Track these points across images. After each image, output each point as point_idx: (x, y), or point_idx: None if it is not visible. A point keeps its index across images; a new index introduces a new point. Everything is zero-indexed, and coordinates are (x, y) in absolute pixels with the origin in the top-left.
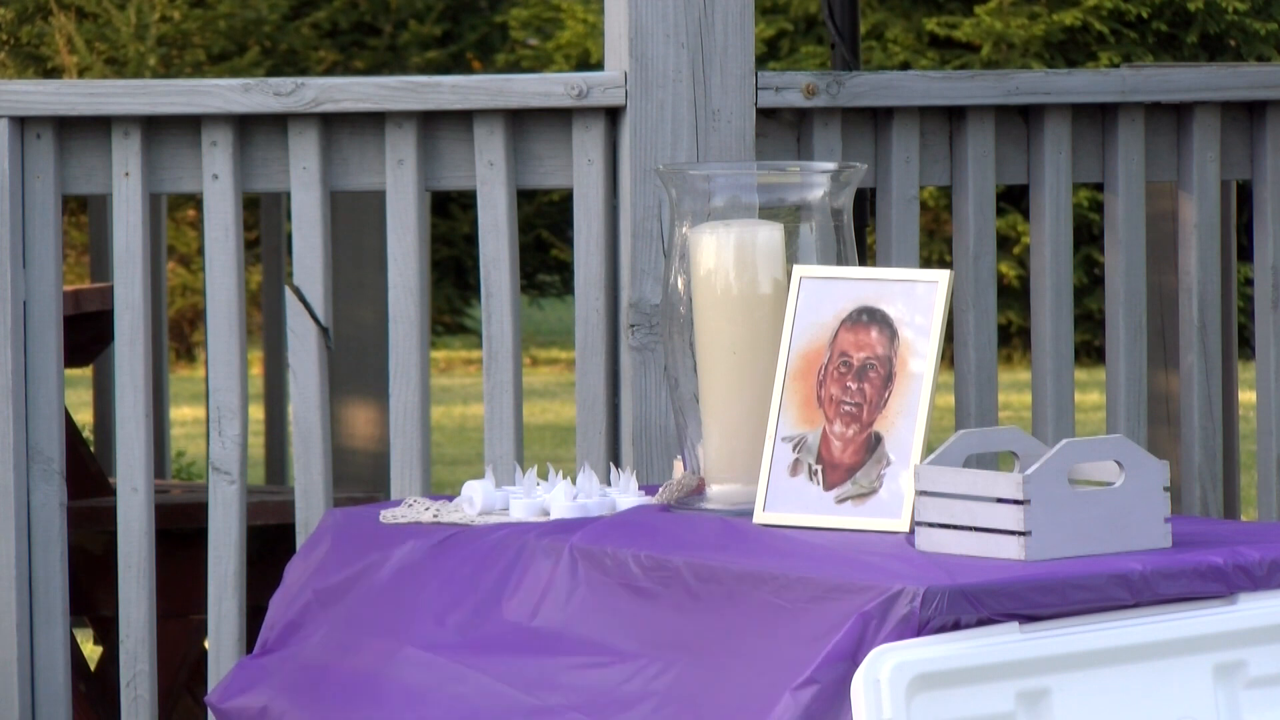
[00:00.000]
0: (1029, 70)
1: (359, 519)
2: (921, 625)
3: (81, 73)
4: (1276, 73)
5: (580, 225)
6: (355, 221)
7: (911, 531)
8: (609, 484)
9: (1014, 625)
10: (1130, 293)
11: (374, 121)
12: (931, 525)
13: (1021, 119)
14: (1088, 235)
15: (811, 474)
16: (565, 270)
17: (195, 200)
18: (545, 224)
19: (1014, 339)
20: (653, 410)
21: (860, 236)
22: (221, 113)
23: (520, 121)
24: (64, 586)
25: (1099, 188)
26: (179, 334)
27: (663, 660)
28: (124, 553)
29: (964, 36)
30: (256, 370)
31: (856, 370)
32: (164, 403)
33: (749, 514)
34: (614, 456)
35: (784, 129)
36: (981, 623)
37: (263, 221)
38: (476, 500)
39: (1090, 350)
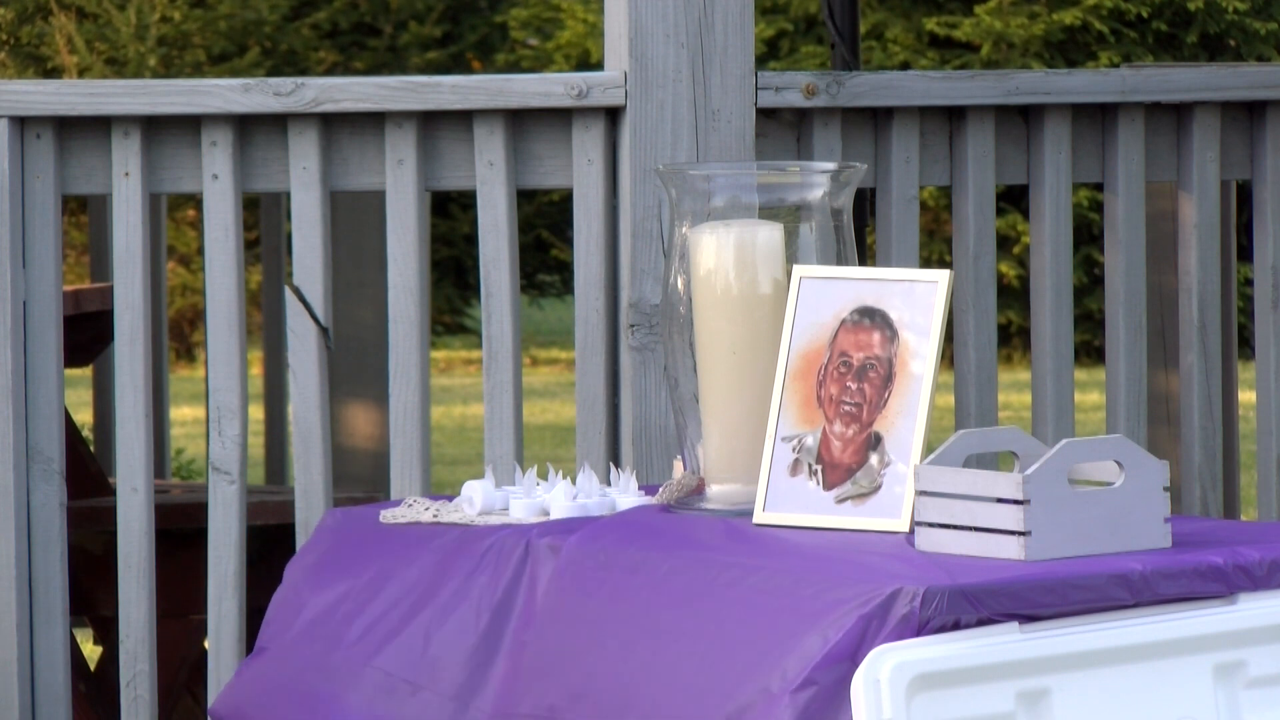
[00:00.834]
0: (1029, 70)
1: (359, 519)
2: (921, 625)
3: (81, 73)
4: (1276, 73)
5: (580, 225)
6: (355, 221)
7: (911, 531)
8: (609, 484)
9: (1014, 625)
10: (1130, 293)
11: (374, 121)
12: (931, 525)
13: (1021, 119)
14: (1088, 235)
15: (811, 474)
16: (565, 270)
17: (195, 200)
18: (545, 224)
19: (1014, 339)
20: (653, 410)
21: (860, 236)
22: (221, 113)
23: (520, 121)
24: (64, 586)
25: (1099, 188)
26: (179, 334)
27: (661, 660)
28: (124, 553)
29: (964, 36)
30: (256, 370)
31: (856, 370)
32: (164, 403)
33: (749, 514)
34: (614, 456)
35: (784, 129)
36: (981, 623)
37: (263, 221)
38: (476, 500)
39: (1090, 350)
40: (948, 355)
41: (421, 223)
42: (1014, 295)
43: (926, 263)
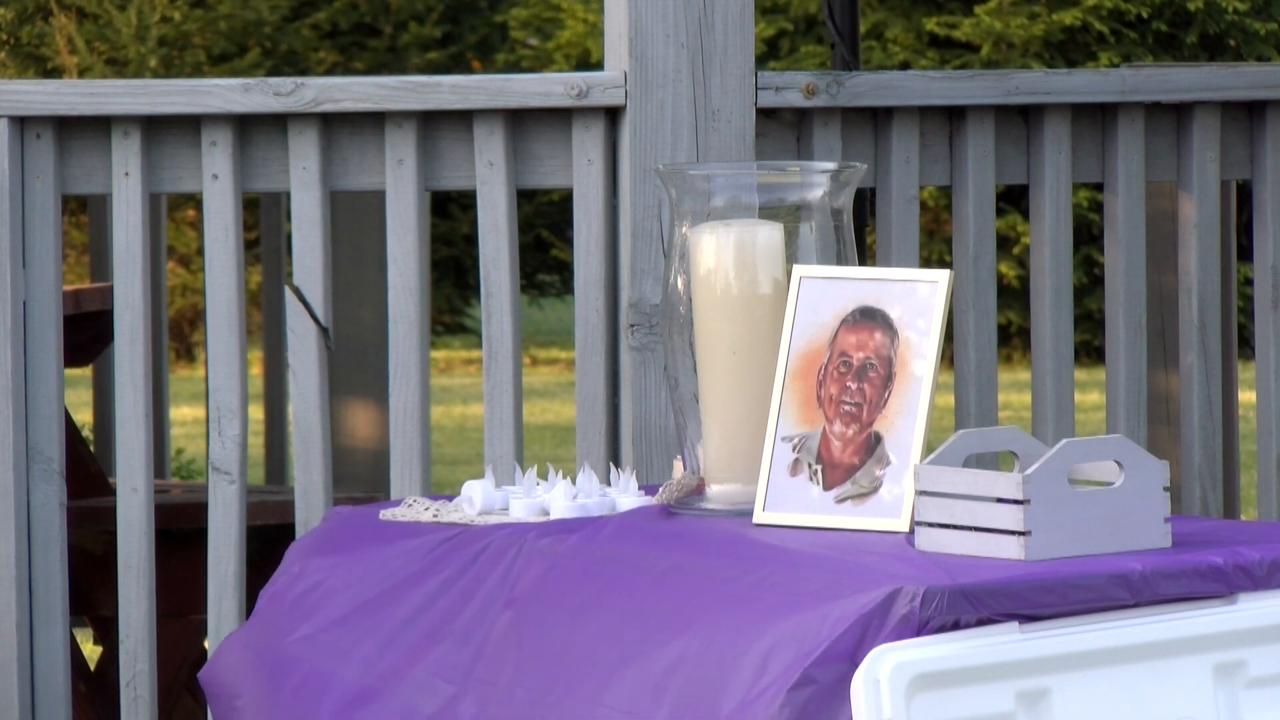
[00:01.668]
0: (1029, 70)
1: (359, 518)
2: (921, 625)
3: (82, 73)
4: (1276, 73)
5: (580, 225)
6: (355, 221)
7: (911, 531)
8: (609, 484)
9: (1014, 625)
10: (1130, 293)
11: (374, 121)
12: (931, 525)
13: (1021, 119)
14: (1088, 235)
15: (811, 474)
16: (565, 270)
17: (195, 200)
18: (545, 224)
19: (1014, 339)
20: (653, 410)
21: (860, 236)
22: (221, 113)
23: (520, 121)
24: (64, 586)
25: (1099, 188)
26: (179, 334)
27: (660, 658)
28: (124, 553)
29: (964, 36)
30: (256, 370)
31: (856, 370)
32: (164, 403)
33: (749, 514)
34: (614, 456)
35: (784, 129)
36: (981, 623)
37: (263, 221)
38: (476, 500)
39: (1090, 350)
40: (948, 355)
41: (421, 223)
42: (1014, 295)
43: (926, 263)
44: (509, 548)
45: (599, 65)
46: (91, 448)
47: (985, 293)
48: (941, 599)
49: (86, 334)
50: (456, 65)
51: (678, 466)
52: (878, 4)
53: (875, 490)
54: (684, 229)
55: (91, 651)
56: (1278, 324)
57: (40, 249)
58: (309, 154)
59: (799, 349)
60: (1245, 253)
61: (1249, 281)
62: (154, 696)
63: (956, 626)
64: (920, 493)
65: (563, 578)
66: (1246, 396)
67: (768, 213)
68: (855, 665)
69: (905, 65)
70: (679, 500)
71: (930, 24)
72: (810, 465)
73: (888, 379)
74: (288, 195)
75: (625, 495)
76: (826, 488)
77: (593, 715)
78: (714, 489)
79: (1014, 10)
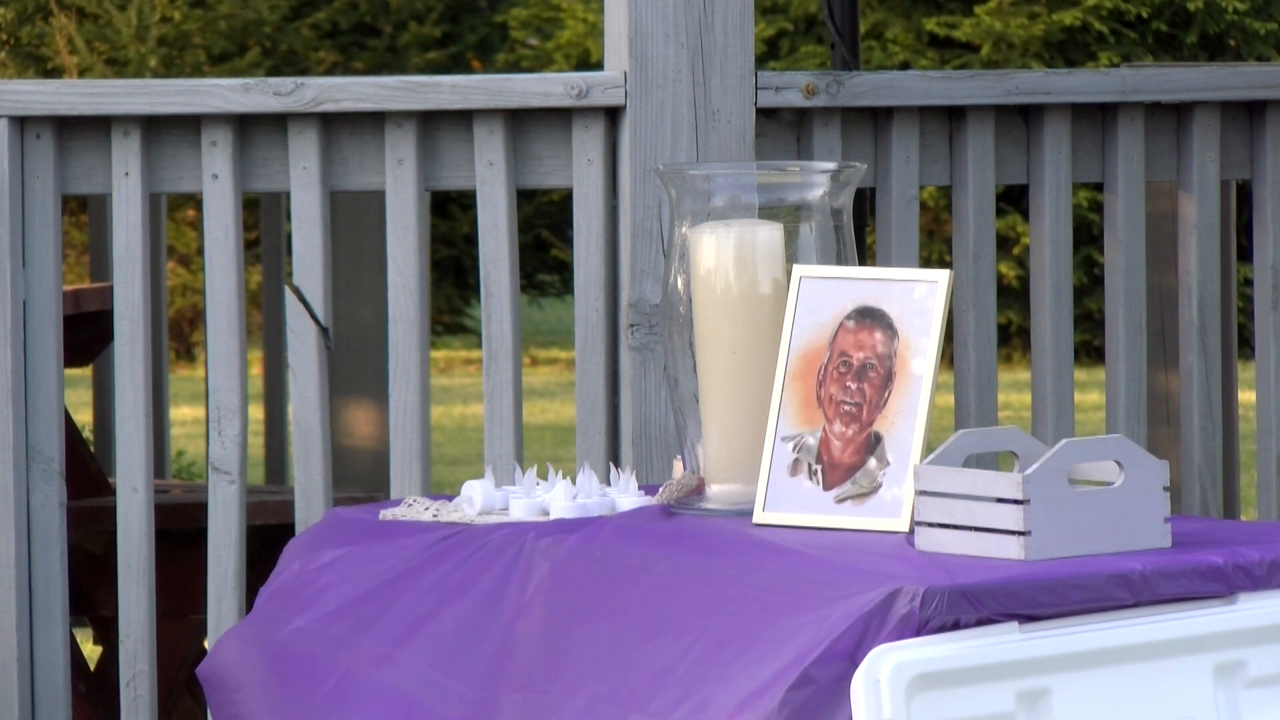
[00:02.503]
0: (1029, 70)
1: (359, 518)
2: (921, 625)
3: (82, 73)
4: (1276, 73)
5: (580, 225)
6: (355, 221)
7: (911, 531)
8: (609, 484)
9: (1014, 625)
10: (1130, 293)
11: (374, 121)
12: (931, 525)
13: (1021, 119)
14: (1088, 235)
15: (811, 474)
16: (565, 270)
17: (195, 200)
18: (545, 224)
19: (1014, 339)
20: (653, 410)
21: (860, 236)
22: (221, 113)
23: (520, 121)
24: (64, 586)
25: (1099, 188)
26: (179, 334)
27: (660, 657)
28: (124, 553)
29: (964, 36)
30: (256, 370)
31: (856, 370)
32: (164, 403)
33: (749, 514)
34: (614, 456)
35: (784, 129)
36: (981, 622)
37: (263, 221)
38: (476, 500)
39: (1090, 350)
40: (948, 355)
41: (421, 223)
42: (1014, 295)
43: (926, 263)
44: (508, 545)
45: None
46: (91, 448)
47: (985, 293)
48: (941, 599)
49: (86, 334)
50: (456, 65)
51: (678, 466)
52: (878, 4)
53: (875, 490)
54: (684, 229)
55: (91, 651)
56: (1278, 324)
57: (40, 249)
58: (309, 154)
59: (799, 349)
60: (1245, 253)
61: (1249, 281)
62: (154, 696)
63: (956, 626)
64: (920, 493)
65: (562, 578)
66: (1246, 396)
67: (768, 213)
68: (855, 665)
69: (905, 65)
70: (679, 500)
71: (930, 24)
72: (810, 465)
73: (888, 379)
74: (288, 195)
75: (625, 495)
76: (826, 488)
77: (593, 715)
78: (714, 489)
79: (1014, 10)
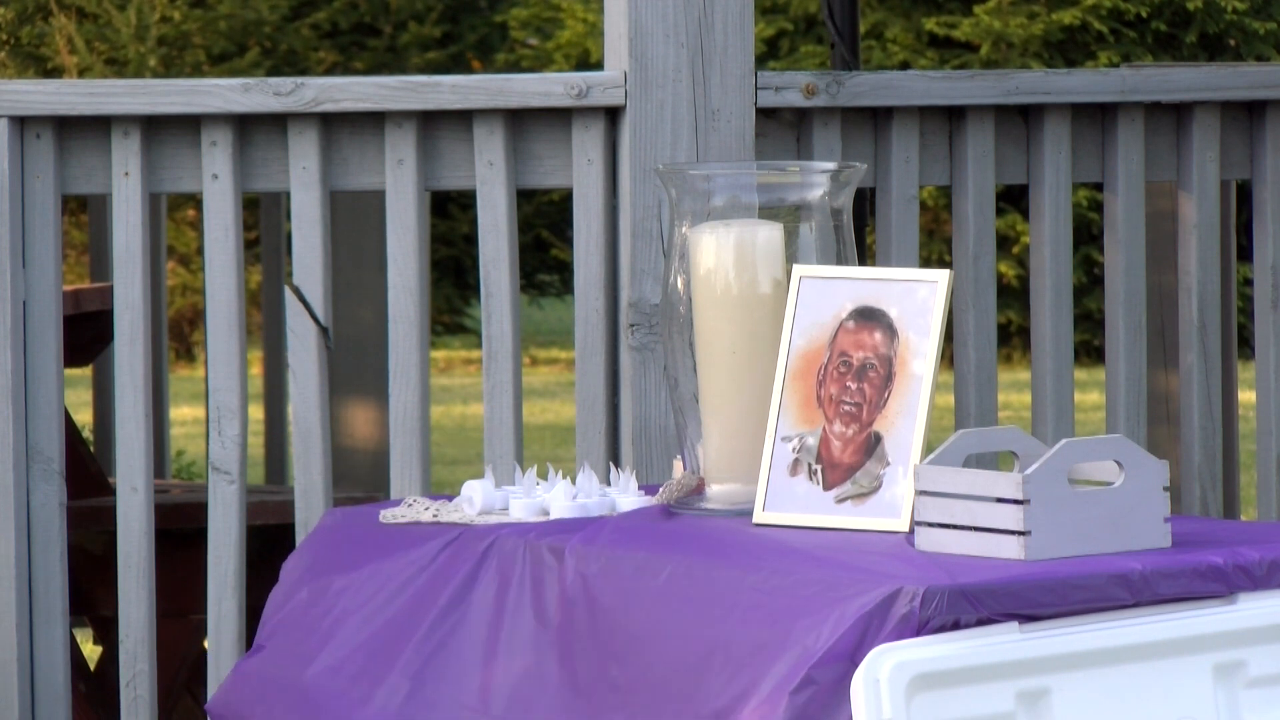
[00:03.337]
0: (1029, 70)
1: (359, 519)
2: (921, 625)
3: (81, 73)
4: (1276, 73)
5: (580, 225)
6: (355, 221)
7: (911, 531)
8: (609, 484)
9: (1014, 625)
10: (1130, 292)
11: (374, 121)
12: (931, 525)
13: (1021, 119)
14: (1087, 235)
15: (811, 474)
16: (565, 270)
17: (195, 200)
18: (545, 224)
19: (1014, 339)
20: (652, 410)
21: (860, 236)
22: (221, 112)
23: (520, 121)
24: (64, 586)
25: (1099, 188)
26: (179, 334)
27: (660, 658)
28: (124, 553)
29: (963, 36)
30: (256, 370)
31: (856, 370)
32: (164, 403)
33: (749, 514)
34: (614, 456)
35: (784, 129)
36: (981, 622)
37: (263, 221)
38: (476, 500)
39: (1090, 350)
40: (948, 355)
41: (421, 223)
42: (1014, 295)
43: (926, 263)
44: (511, 553)
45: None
46: (91, 448)
47: (985, 293)
48: (941, 599)
49: (86, 334)
50: (456, 65)
51: (678, 466)
52: (878, 4)
53: (875, 490)
54: (684, 229)
55: (91, 651)
56: (1278, 324)
57: (40, 249)
58: (309, 154)
59: (799, 349)
60: (1245, 253)
61: (1249, 281)
62: (154, 696)
63: (956, 626)
64: (920, 493)
65: (561, 583)
66: (1246, 396)
67: (768, 213)
68: (855, 665)
69: (905, 65)
70: (679, 500)
71: (930, 24)
72: (810, 465)
73: (887, 379)
74: (288, 195)
75: (625, 495)
76: (826, 488)
77: (594, 715)
78: (714, 489)
79: (1013, 10)
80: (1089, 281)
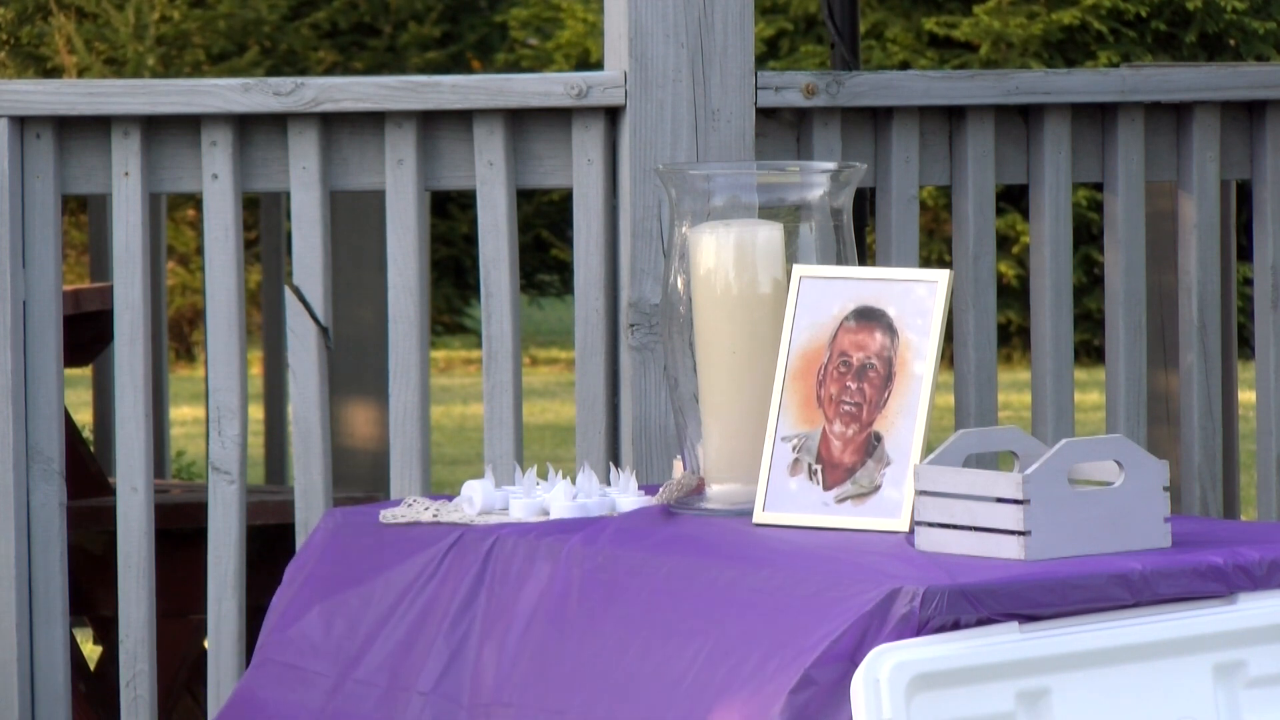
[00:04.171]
0: (1028, 70)
1: (359, 519)
2: (921, 625)
3: (81, 73)
4: (1276, 72)
5: (580, 225)
6: (355, 221)
7: (911, 531)
8: (609, 484)
9: (1014, 625)
10: (1130, 292)
11: (374, 121)
12: (931, 525)
13: (1021, 119)
14: (1087, 235)
15: (811, 474)
16: (565, 270)
17: (195, 200)
18: (545, 224)
19: (1014, 339)
20: (652, 410)
21: (860, 236)
22: (221, 112)
23: (520, 121)
24: (64, 586)
25: (1099, 187)
26: (179, 334)
27: (660, 659)
28: (124, 553)
29: (963, 36)
30: (256, 370)
31: (856, 370)
32: (164, 403)
33: (749, 514)
34: (614, 456)
35: (784, 129)
36: (981, 622)
37: (262, 221)
38: (476, 500)
39: (1090, 350)
40: (948, 355)
41: (421, 223)
42: (1014, 295)
43: (926, 262)
44: (511, 553)
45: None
46: (91, 448)
47: (985, 292)
48: (941, 599)
49: (86, 334)
50: (456, 65)
51: (678, 466)
52: (877, 4)
53: (875, 490)
54: (684, 229)
55: (91, 651)
56: (1278, 324)
57: (40, 249)
58: (309, 154)
59: (799, 349)
60: (1245, 253)
61: (1249, 281)
62: (154, 696)
63: (956, 626)
64: (920, 492)
65: (561, 584)
66: (1246, 396)
67: (768, 213)
68: (855, 665)
69: (905, 65)
70: (679, 500)
71: (929, 24)
72: (810, 465)
73: (887, 379)
74: (288, 195)
75: (625, 495)
76: (826, 488)
77: (593, 717)
78: (714, 489)
79: (1013, 10)
80: (1089, 281)
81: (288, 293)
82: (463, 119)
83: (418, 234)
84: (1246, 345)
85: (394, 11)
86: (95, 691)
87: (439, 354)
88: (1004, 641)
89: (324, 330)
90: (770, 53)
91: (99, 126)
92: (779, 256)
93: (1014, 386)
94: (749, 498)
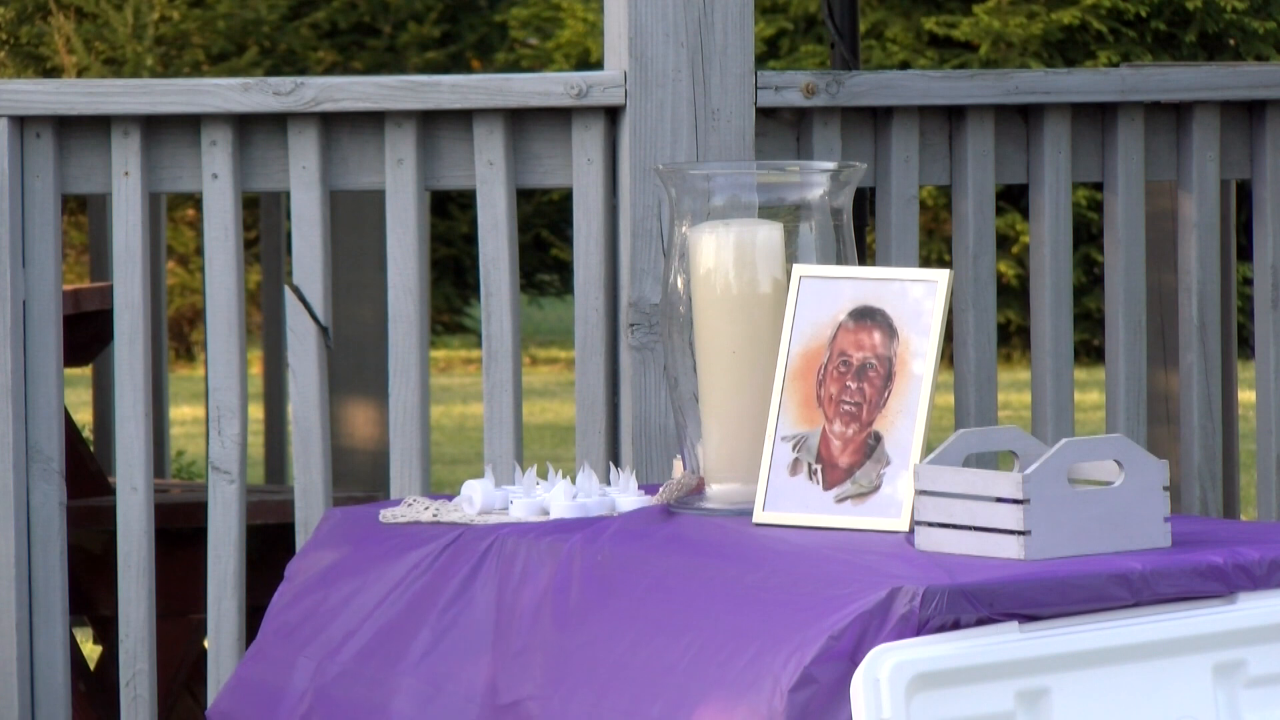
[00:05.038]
0: (1028, 70)
1: (359, 519)
2: (921, 625)
3: (80, 73)
4: (1276, 72)
5: (580, 225)
6: (355, 221)
7: (911, 531)
8: (609, 483)
9: (1013, 625)
10: (1130, 292)
11: (373, 121)
12: (931, 525)
13: (1021, 118)
14: (1087, 235)
15: (811, 473)
16: (565, 270)
17: (195, 200)
18: (545, 223)
19: (1013, 338)
20: (652, 410)
21: (860, 236)
22: (221, 112)
23: (520, 121)
24: (64, 586)
25: (1098, 187)
26: (178, 334)
27: (660, 658)
28: (124, 552)
29: (963, 35)
30: (256, 370)
31: (856, 370)
32: (164, 402)
33: (749, 514)
34: (614, 456)
35: (784, 128)
36: (981, 622)
37: (262, 221)
38: (476, 500)
39: (1090, 350)
40: (947, 355)
41: (421, 222)
42: (1013, 295)
43: (926, 262)
44: (511, 552)
45: (599, 65)
46: (91, 448)
47: (985, 292)
48: (941, 598)
49: (86, 334)
50: (456, 65)
51: (678, 466)
52: (877, 3)
53: (875, 490)
54: (684, 228)
55: (91, 651)
56: (1278, 324)
57: (40, 249)
58: (309, 153)
59: (799, 348)
60: (1245, 252)
61: (1249, 281)
62: (154, 696)
63: (956, 626)
64: (920, 492)
65: (563, 583)
66: (1246, 396)
67: (767, 212)
68: (855, 665)
69: (905, 65)
70: (679, 500)
71: (929, 23)
72: (810, 465)
73: (887, 379)
74: (288, 195)
75: (625, 495)
76: (826, 487)
77: (593, 718)
78: (714, 489)
79: (1013, 9)
80: (1089, 281)
81: (287, 292)
82: (462, 119)
83: (417, 234)
84: (1246, 345)
85: (394, 11)
86: (95, 691)
87: (439, 354)
88: (1004, 641)
89: (324, 330)
90: (770, 52)
91: (99, 126)
92: (779, 256)
93: (1014, 386)
94: (749, 497)
